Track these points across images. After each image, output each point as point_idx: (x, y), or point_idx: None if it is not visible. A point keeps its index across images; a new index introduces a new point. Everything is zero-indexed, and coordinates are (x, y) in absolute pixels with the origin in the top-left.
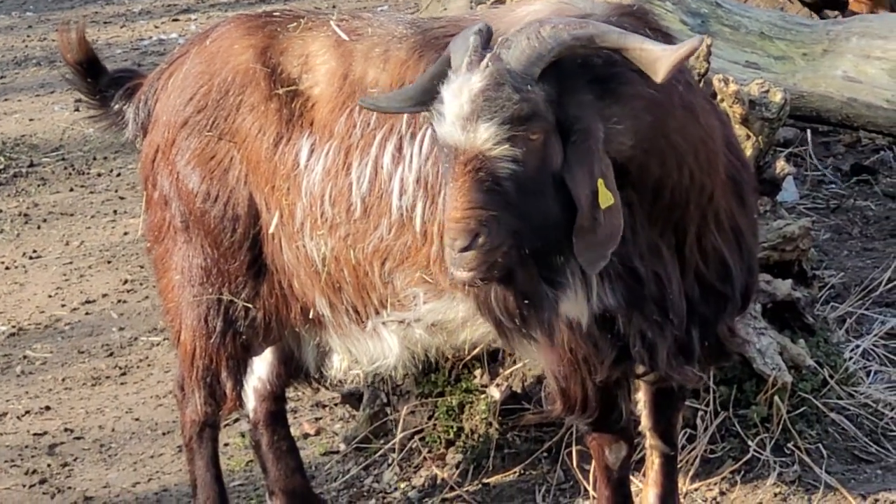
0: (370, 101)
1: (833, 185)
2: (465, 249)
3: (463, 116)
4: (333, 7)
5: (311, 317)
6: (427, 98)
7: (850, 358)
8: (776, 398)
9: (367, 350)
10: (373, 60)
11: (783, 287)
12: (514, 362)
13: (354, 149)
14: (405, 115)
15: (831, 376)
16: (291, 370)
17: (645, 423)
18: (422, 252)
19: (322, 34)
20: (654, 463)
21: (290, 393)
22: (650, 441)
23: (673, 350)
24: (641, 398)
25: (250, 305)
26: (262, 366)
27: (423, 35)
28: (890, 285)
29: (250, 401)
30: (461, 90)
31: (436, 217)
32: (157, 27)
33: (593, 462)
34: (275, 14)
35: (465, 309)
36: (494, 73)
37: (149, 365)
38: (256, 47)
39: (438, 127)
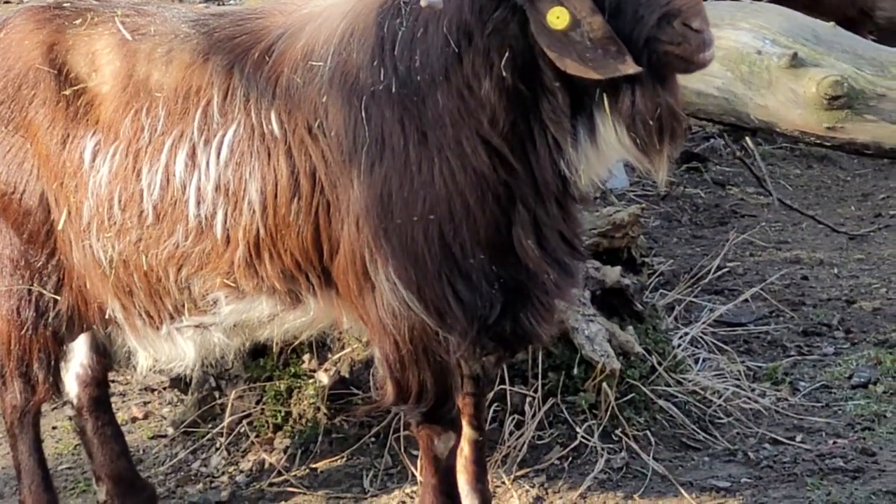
0: None
1: None
2: None
3: None
4: None
5: (106, 316)
6: None
7: (679, 345)
8: (605, 385)
9: (163, 352)
10: (156, 62)
11: (612, 274)
12: (343, 347)
13: (143, 154)
14: (196, 121)
15: (660, 363)
16: (107, 358)
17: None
18: (224, 257)
19: (107, 31)
20: (463, 449)
21: (118, 377)
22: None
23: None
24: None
25: (58, 297)
26: (82, 352)
27: (207, 37)
28: (718, 273)
29: (73, 387)
30: None
31: (239, 222)
32: None
33: (420, 450)
34: (65, 5)
35: (272, 305)
36: None
37: None
38: (44, 43)
39: None
